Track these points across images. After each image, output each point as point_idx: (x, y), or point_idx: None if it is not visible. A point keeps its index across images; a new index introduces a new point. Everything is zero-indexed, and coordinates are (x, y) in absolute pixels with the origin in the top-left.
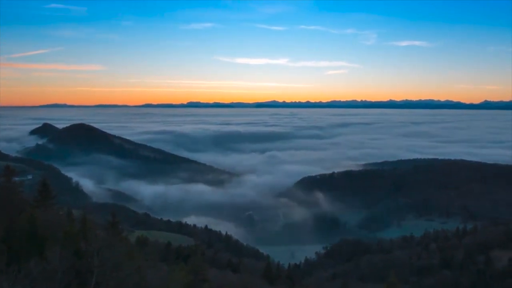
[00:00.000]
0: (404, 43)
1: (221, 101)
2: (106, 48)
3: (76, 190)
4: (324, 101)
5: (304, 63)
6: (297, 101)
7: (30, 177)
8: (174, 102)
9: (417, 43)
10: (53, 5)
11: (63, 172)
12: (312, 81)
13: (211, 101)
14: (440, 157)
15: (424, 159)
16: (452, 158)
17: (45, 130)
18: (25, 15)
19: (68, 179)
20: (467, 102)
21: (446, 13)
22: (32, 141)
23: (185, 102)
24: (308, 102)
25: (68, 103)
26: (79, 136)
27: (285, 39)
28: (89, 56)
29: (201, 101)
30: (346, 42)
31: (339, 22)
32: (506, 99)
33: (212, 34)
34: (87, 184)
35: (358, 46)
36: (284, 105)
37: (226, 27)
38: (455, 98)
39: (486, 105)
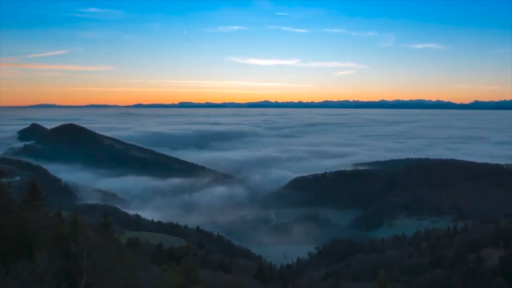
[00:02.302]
0: (419, 46)
1: (213, 101)
2: (123, 49)
3: (65, 191)
4: (316, 101)
5: (314, 63)
6: (289, 101)
7: (18, 178)
8: (165, 102)
9: (432, 45)
10: (92, 9)
11: (51, 173)
12: (317, 81)
13: (203, 101)
14: (431, 157)
15: (416, 159)
16: (443, 157)
17: (33, 130)
18: (60, 18)
19: (57, 180)
20: (458, 102)
21: (448, 16)
22: (20, 142)
23: (176, 102)
24: (300, 102)
25: (57, 103)
26: (68, 137)
27: (303, 41)
28: (102, 57)
29: (193, 101)
30: (363, 44)
31: (361, 25)
32: (496, 99)
33: (236, 36)
34: (76, 185)
35: (374, 48)
36: (276, 105)
37: (251, 29)
38: (446, 98)
39: (477, 105)
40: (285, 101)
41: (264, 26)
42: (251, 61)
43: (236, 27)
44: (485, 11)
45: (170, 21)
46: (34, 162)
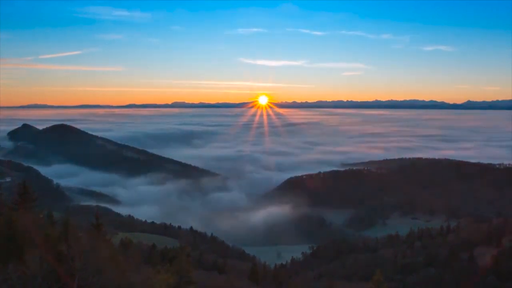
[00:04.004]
0: (429, 48)
1: (206, 102)
2: (139, 51)
3: (57, 192)
4: (310, 101)
5: (321, 64)
6: (284, 101)
7: (9, 179)
8: (158, 102)
9: (442, 47)
10: (121, 12)
11: (43, 173)
12: (319, 82)
13: (197, 102)
14: (424, 157)
15: (409, 159)
16: (436, 157)
17: (24, 131)
18: (84, 20)
19: (49, 181)
20: (451, 102)
21: (450, 18)
22: (11, 142)
23: (169, 103)
24: (294, 102)
25: (49, 103)
26: (59, 137)
27: (317, 43)
28: (113, 58)
29: (186, 102)
30: (376, 46)
31: (377, 27)
32: (489, 99)
33: (253, 38)
34: (68, 186)
35: (385, 50)
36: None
37: (269, 31)
38: (439, 98)
39: (469, 105)
40: (281, 101)
41: (283, 29)
42: (260, 62)
43: (254, 29)
44: (483, 13)
45: (193, 22)
46: (25, 163)
